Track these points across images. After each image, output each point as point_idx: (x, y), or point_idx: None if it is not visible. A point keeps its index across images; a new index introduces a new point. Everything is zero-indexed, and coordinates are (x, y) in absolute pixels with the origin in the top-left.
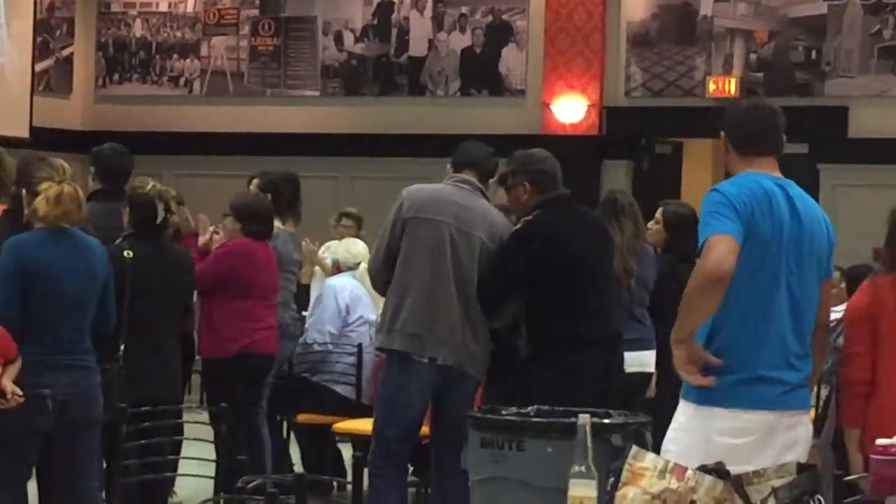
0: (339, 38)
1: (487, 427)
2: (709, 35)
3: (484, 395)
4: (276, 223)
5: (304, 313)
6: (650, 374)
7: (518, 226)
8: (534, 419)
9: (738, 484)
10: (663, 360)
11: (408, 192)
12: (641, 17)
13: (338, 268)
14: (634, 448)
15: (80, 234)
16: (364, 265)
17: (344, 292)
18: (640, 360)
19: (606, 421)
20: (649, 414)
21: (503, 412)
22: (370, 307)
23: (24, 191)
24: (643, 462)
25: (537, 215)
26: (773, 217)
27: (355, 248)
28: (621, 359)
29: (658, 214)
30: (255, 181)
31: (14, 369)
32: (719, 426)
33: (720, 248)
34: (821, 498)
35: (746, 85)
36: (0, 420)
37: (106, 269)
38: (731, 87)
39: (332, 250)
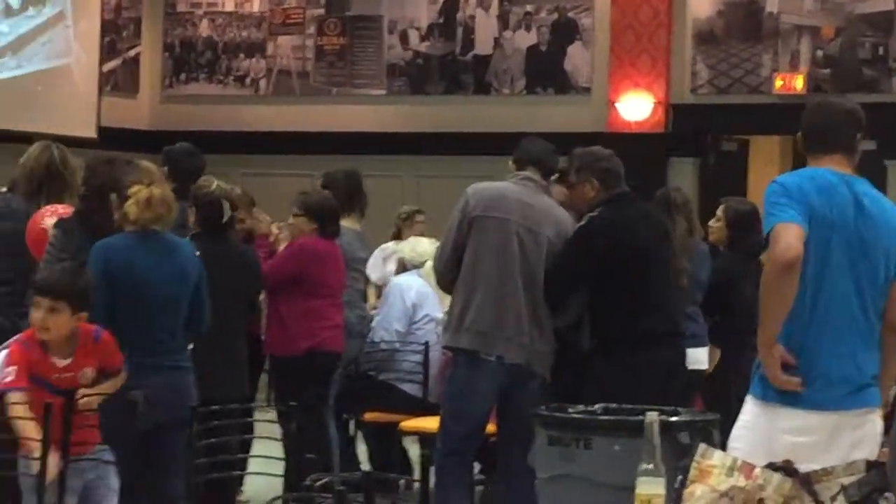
0: (404, 37)
1: (555, 425)
2: (775, 31)
3: (547, 392)
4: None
5: (371, 312)
6: (703, 371)
7: (581, 223)
8: (601, 417)
9: (806, 482)
10: (729, 355)
11: (473, 191)
12: (707, 13)
13: (403, 266)
14: (702, 446)
15: (169, 236)
16: (430, 264)
17: (410, 291)
18: (694, 358)
19: (674, 419)
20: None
21: (570, 410)
22: (436, 305)
23: (113, 195)
24: (711, 460)
25: (601, 212)
26: (832, 205)
27: (421, 247)
28: (683, 355)
29: (719, 212)
30: (320, 180)
31: (113, 383)
32: (782, 425)
33: (786, 236)
34: (890, 495)
35: (813, 82)
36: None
37: (197, 270)
38: (798, 83)
39: (398, 249)
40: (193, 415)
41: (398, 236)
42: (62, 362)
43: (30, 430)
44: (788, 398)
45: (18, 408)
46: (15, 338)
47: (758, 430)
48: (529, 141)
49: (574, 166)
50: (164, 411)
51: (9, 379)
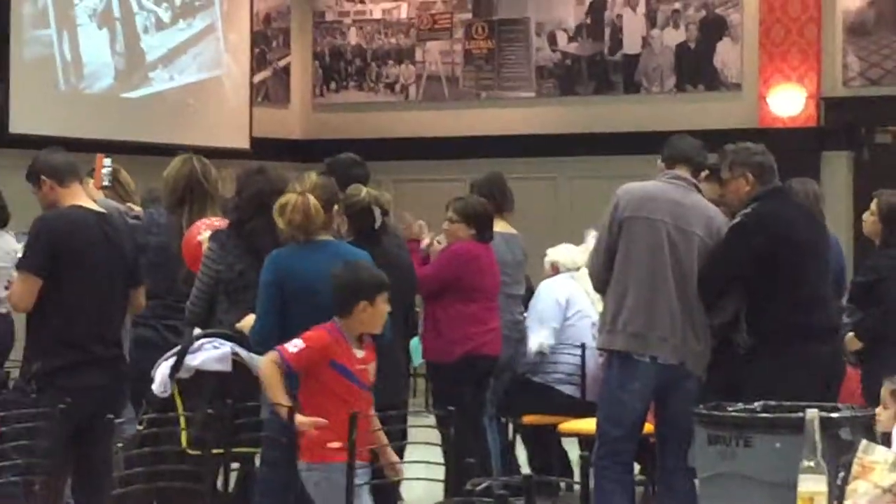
0: (552, 39)
1: (714, 424)
2: None
3: (703, 390)
4: None
5: (524, 315)
6: None
7: (736, 219)
8: (761, 415)
9: None
10: (877, 351)
11: (623, 192)
12: (857, 5)
13: (556, 269)
14: (864, 441)
15: (337, 244)
16: (584, 269)
17: (561, 288)
18: None
19: (835, 415)
20: None
21: (730, 408)
22: (589, 304)
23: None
24: (873, 455)
25: (756, 207)
26: None
27: (576, 253)
28: (841, 350)
29: (873, 205)
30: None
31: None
32: None
33: None
34: None
35: None
36: (268, 429)
37: None
38: None
39: (553, 252)
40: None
41: None
42: (359, 353)
43: (279, 395)
44: None
45: (271, 368)
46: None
47: None
48: (678, 139)
49: (727, 161)
50: None
51: (291, 349)
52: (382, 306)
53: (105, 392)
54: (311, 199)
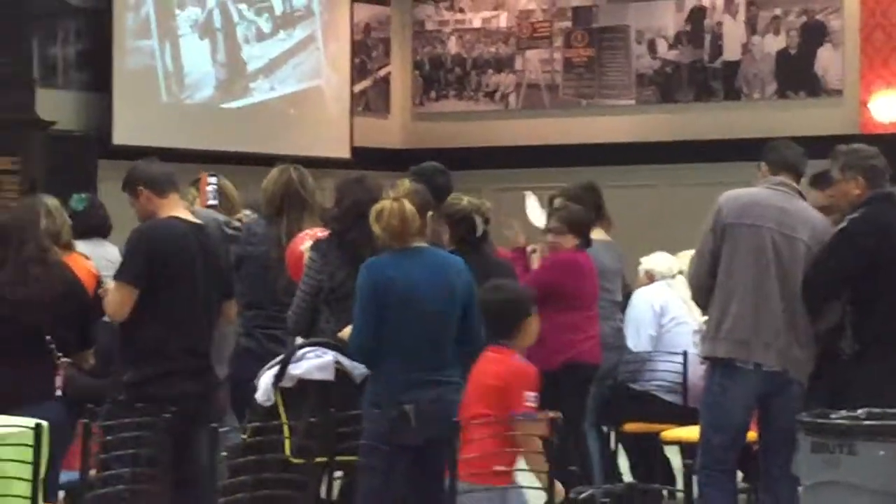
0: (652, 46)
1: (818, 431)
2: None
3: (806, 399)
4: None
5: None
6: None
7: (843, 223)
8: (865, 422)
9: None
10: None
11: (725, 199)
12: None
13: (651, 277)
14: None
15: (438, 252)
16: (680, 277)
17: (656, 296)
18: None
19: None
20: None
21: (833, 416)
22: (685, 312)
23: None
24: None
25: (866, 212)
26: None
27: (671, 260)
28: None
29: None
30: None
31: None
32: None
33: None
34: None
35: None
36: (367, 437)
37: (467, 286)
38: None
39: (647, 260)
40: (457, 431)
41: None
42: None
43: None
44: None
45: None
46: (517, 357)
47: None
48: (783, 145)
49: (839, 164)
50: (434, 427)
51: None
52: (537, 317)
53: (193, 402)
54: (407, 204)
